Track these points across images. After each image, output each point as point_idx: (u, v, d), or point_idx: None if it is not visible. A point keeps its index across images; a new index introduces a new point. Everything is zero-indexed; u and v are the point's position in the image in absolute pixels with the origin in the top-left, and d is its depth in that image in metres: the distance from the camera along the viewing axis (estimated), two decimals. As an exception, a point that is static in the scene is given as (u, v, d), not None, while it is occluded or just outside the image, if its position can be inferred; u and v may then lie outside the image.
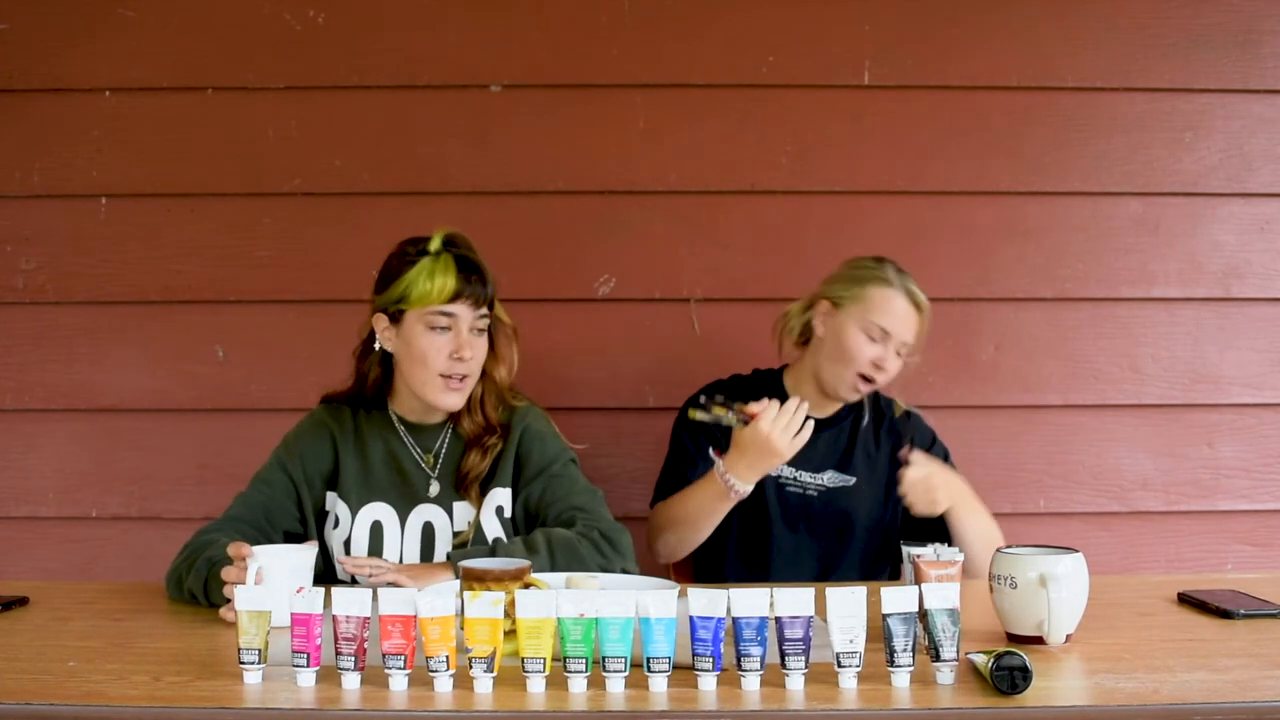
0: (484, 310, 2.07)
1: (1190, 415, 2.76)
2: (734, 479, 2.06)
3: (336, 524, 2.11)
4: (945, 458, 2.33)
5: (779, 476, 2.28)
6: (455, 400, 2.08)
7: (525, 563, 1.60)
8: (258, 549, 1.75)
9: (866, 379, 2.24)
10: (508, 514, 2.12)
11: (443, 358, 2.04)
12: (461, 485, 2.11)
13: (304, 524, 2.12)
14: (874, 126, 2.73)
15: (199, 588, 1.86)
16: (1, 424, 2.68)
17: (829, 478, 2.31)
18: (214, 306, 2.69)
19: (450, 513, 2.11)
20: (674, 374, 2.66)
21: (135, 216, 2.69)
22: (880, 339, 2.23)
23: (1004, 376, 2.75)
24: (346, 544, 2.10)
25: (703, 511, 2.14)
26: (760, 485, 2.25)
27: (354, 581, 2.01)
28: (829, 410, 2.34)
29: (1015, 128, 2.74)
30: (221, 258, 2.69)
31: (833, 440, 2.32)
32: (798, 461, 2.27)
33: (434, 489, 2.11)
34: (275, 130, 2.69)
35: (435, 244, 2.08)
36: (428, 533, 2.10)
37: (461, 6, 2.71)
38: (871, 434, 2.35)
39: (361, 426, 2.15)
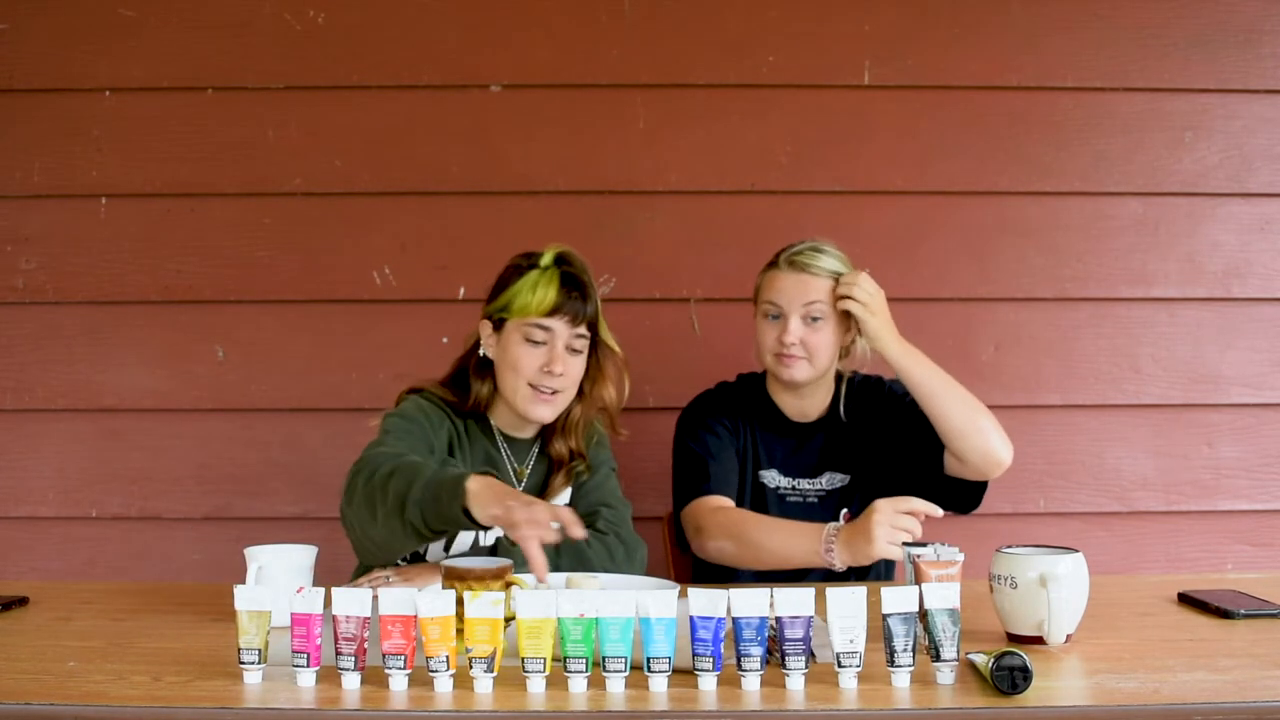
0: (581, 330, 2.06)
1: (1190, 415, 2.77)
2: (836, 552, 1.94)
3: None
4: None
5: (778, 488, 2.27)
6: (545, 411, 2.08)
7: (507, 562, 1.61)
8: (258, 549, 1.75)
9: (782, 356, 2.21)
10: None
11: (534, 369, 2.04)
12: None
13: None
14: (874, 126, 2.73)
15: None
16: (1, 424, 2.68)
17: (826, 480, 2.29)
18: (214, 306, 2.69)
19: None
20: (674, 374, 2.66)
21: (135, 216, 2.69)
22: (777, 314, 2.23)
23: (1004, 376, 2.75)
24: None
25: (781, 553, 2.05)
26: (763, 500, 2.26)
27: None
28: (812, 415, 2.31)
29: (1015, 128, 2.75)
30: (221, 258, 2.69)
31: (823, 442, 2.30)
32: (793, 470, 2.28)
33: None
34: (275, 130, 2.69)
35: (546, 259, 2.07)
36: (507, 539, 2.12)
37: (461, 6, 2.71)
38: (857, 418, 2.31)
39: (466, 429, 2.14)
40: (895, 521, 1.86)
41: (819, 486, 2.29)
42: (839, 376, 2.33)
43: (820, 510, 2.27)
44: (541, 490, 2.16)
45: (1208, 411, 2.76)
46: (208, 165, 2.69)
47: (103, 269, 2.68)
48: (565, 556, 1.98)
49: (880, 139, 2.74)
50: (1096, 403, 2.76)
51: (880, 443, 2.28)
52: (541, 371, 2.04)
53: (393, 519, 1.75)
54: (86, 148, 2.68)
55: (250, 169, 2.69)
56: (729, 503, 2.20)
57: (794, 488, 2.28)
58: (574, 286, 2.05)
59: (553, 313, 2.03)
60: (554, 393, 2.06)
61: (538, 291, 2.03)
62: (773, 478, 2.29)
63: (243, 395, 2.68)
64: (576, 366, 2.09)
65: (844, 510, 2.24)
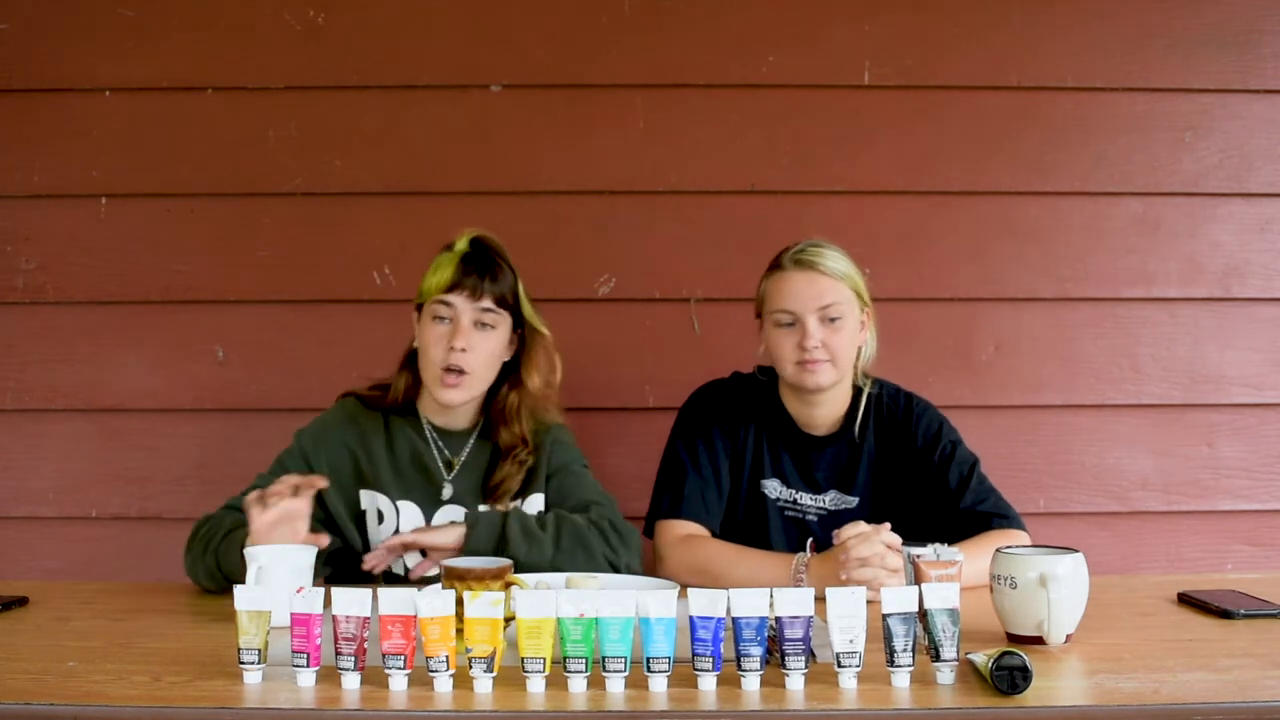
0: (486, 304, 2.09)
1: (1190, 415, 2.76)
2: (807, 584, 1.91)
3: (381, 519, 2.12)
4: (954, 445, 2.20)
5: (778, 499, 2.23)
6: (452, 395, 2.09)
7: (506, 562, 1.62)
8: (258, 549, 1.75)
9: (805, 363, 2.13)
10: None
11: (440, 348, 2.07)
12: (492, 495, 2.14)
13: (326, 523, 2.10)
14: (874, 126, 2.73)
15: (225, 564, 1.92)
16: (1, 424, 2.68)
17: (831, 499, 2.22)
18: (214, 306, 2.69)
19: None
20: (674, 374, 2.66)
21: (135, 216, 2.69)
22: (792, 321, 2.14)
23: (1004, 376, 2.74)
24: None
25: (747, 585, 1.92)
26: (762, 509, 2.22)
27: (388, 580, 2.03)
28: (823, 426, 2.24)
29: (1015, 128, 2.74)
30: (221, 258, 2.69)
31: (832, 458, 2.23)
32: (795, 483, 2.24)
33: (447, 491, 2.14)
34: (275, 130, 2.69)
35: (460, 243, 2.13)
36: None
37: (461, 6, 2.71)
38: (875, 440, 2.23)
39: (391, 425, 2.16)
40: (858, 574, 1.83)
41: (820, 504, 2.23)
42: (858, 391, 2.25)
43: (818, 530, 2.19)
44: (485, 479, 2.14)
45: (1208, 411, 2.76)
46: (208, 165, 2.69)
47: (103, 269, 2.68)
48: (566, 539, 1.99)
49: (880, 139, 2.73)
50: (1096, 403, 2.75)
51: (897, 473, 2.21)
52: (447, 350, 2.06)
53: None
54: (86, 148, 2.68)
55: (250, 169, 2.69)
56: (696, 528, 2.16)
57: (794, 501, 2.23)
58: (475, 263, 2.09)
59: (452, 289, 2.08)
60: (460, 373, 2.07)
61: (439, 271, 2.10)
62: (774, 488, 2.24)
63: (243, 395, 2.68)
64: (485, 344, 2.10)
65: (810, 540, 2.10)
